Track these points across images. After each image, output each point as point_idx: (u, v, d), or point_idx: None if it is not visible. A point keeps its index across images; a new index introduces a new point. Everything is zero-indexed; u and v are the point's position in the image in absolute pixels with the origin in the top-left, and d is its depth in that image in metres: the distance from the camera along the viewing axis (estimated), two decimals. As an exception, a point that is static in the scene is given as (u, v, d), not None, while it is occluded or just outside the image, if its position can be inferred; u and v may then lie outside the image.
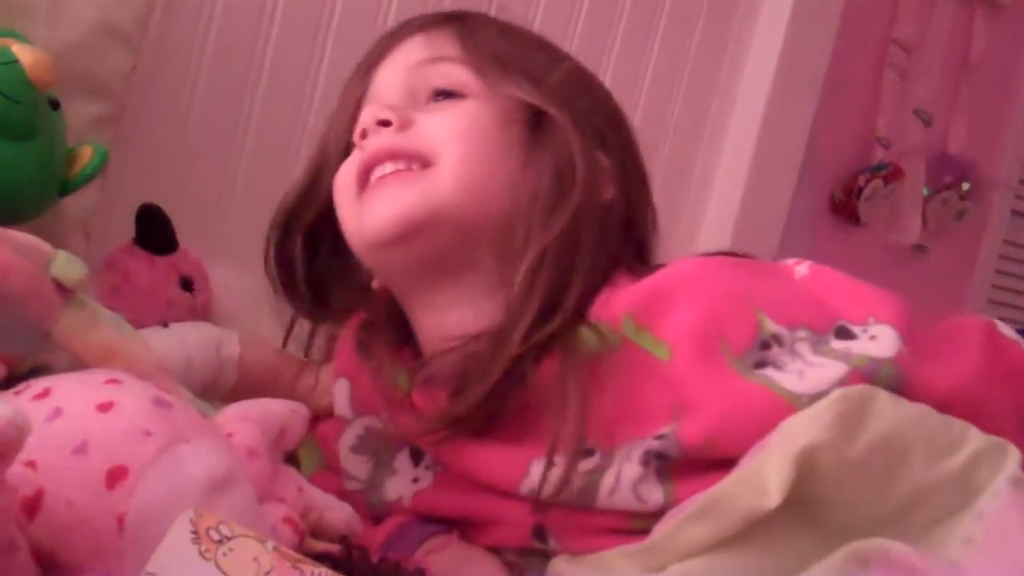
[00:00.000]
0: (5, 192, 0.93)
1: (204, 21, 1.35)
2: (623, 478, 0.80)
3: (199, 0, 1.34)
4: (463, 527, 0.89)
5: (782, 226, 1.95)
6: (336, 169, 0.97)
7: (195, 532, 0.55)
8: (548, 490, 0.81)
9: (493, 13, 1.07)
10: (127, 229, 1.07)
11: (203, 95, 1.36)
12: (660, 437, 0.80)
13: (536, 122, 0.94)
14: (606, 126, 1.00)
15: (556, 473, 0.81)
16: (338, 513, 0.79)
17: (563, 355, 0.85)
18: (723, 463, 0.77)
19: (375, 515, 0.91)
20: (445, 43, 0.97)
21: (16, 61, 0.91)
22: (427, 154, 0.91)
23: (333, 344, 1.05)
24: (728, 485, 0.73)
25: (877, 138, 2.12)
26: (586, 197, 0.90)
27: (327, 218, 0.98)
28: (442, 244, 0.90)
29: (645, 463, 0.80)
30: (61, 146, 0.99)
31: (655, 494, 0.80)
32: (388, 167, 0.91)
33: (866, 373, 0.78)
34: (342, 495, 0.83)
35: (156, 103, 1.30)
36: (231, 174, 1.34)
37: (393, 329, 0.98)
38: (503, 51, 0.97)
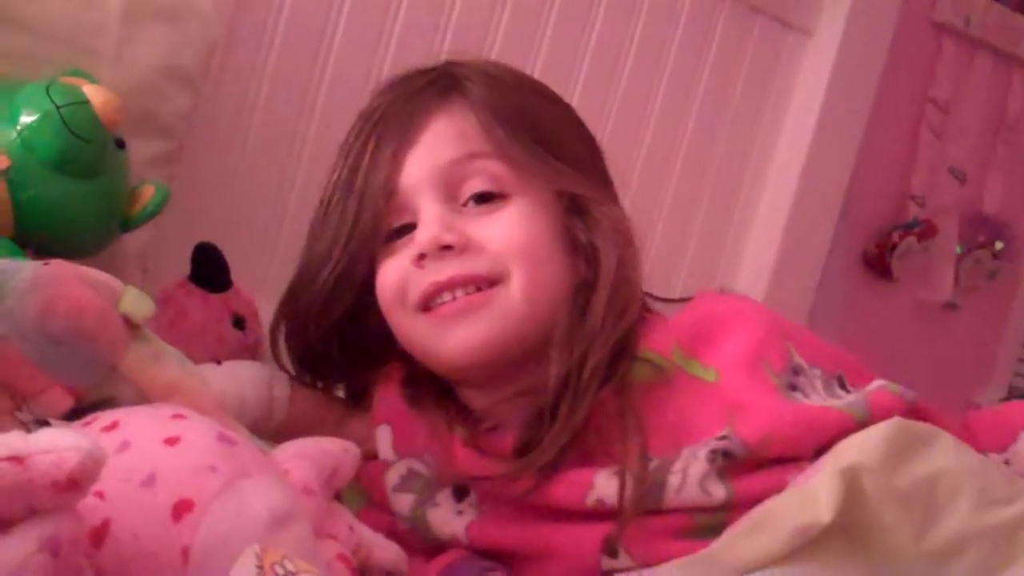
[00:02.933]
0: (71, 228, 0.95)
1: (260, 63, 1.39)
2: (690, 475, 0.84)
3: (256, 42, 1.38)
4: (522, 563, 0.91)
5: (816, 280, 1.96)
6: (367, 262, 0.98)
7: (260, 567, 0.57)
8: (627, 502, 0.85)
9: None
10: (181, 264, 1.10)
11: (256, 136, 1.39)
12: (723, 438, 0.85)
13: (572, 203, 0.98)
14: (601, 166, 1.06)
15: (630, 481, 0.85)
16: (386, 552, 0.80)
17: (619, 389, 0.90)
18: (775, 462, 0.83)
19: (428, 550, 0.92)
20: (466, 125, 0.97)
21: (87, 101, 0.94)
22: (495, 276, 0.94)
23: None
24: (783, 500, 0.77)
25: (912, 196, 2.13)
26: (634, 268, 0.96)
27: (354, 306, 1.00)
28: (513, 352, 0.94)
29: (711, 460, 0.84)
30: (125, 184, 1.02)
31: (718, 489, 0.84)
32: (458, 292, 0.93)
33: (881, 391, 0.88)
34: (389, 534, 0.85)
35: (211, 142, 1.33)
36: (280, 214, 1.37)
37: (437, 385, 1.01)
38: (522, 124, 0.98)
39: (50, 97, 0.93)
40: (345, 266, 0.98)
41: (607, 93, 1.70)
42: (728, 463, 0.84)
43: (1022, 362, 2.46)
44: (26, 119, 0.93)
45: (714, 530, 0.82)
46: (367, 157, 0.98)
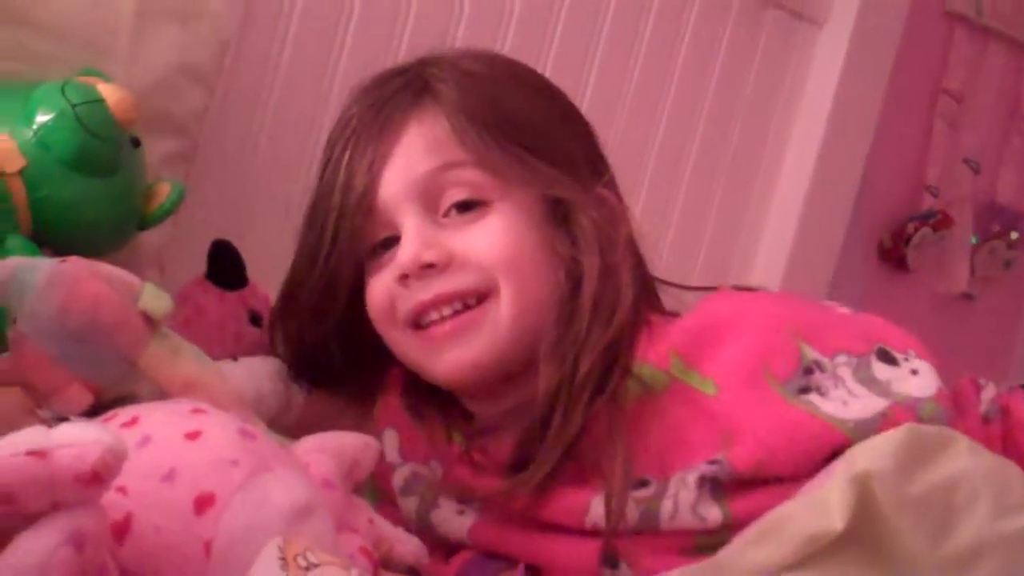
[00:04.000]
0: (88, 226, 0.96)
1: (272, 61, 1.39)
2: (681, 502, 0.83)
3: (269, 40, 1.38)
4: (526, 565, 0.90)
5: (831, 272, 1.95)
6: (352, 275, 0.97)
7: (283, 559, 0.57)
8: (611, 523, 0.84)
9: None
10: (197, 262, 1.10)
11: (270, 133, 1.39)
12: (713, 462, 0.83)
13: (555, 208, 0.96)
14: (592, 151, 1.03)
15: (614, 507, 0.84)
16: (407, 546, 0.80)
17: (609, 404, 0.88)
18: (773, 480, 0.81)
19: (443, 550, 0.93)
20: (439, 133, 0.95)
21: (102, 100, 0.94)
22: (482, 289, 0.92)
23: None
24: (793, 507, 0.75)
25: (926, 186, 2.13)
26: (631, 278, 0.93)
27: (344, 319, 0.99)
28: (506, 365, 0.93)
29: (700, 486, 0.83)
30: (141, 183, 1.03)
31: (713, 512, 0.82)
32: (445, 310, 0.93)
33: (908, 408, 0.82)
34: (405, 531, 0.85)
35: (225, 140, 1.33)
36: (296, 211, 1.37)
37: (437, 392, 1.00)
38: (498, 125, 0.95)
39: (65, 96, 0.93)
40: (328, 282, 0.97)
41: (620, 87, 1.70)
42: (720, 485, 0.83)
43: (1039, 352, 2.45)
44: (42, 118, 0.93)
45: (718, 548, 0.80)
46: (343, 170, 0.96)
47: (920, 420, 0.81)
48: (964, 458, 0.75)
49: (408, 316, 0.93)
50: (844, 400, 0.84)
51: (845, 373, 0.86)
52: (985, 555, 0.72)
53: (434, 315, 0.93)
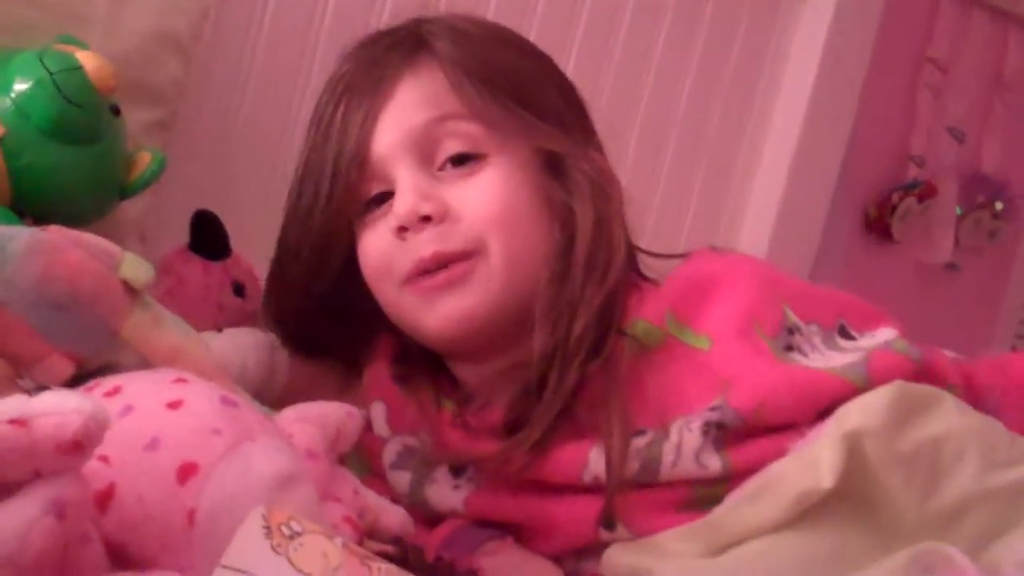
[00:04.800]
0: (68, 195, 0.95)
1: (254, 27, 1.37)
2: (684, 448, 0.84)
3: (249, 6, 1.37)
4: (520, 535, 0.91)
5: (816, 243, 1.95)
6: (346, 232, 0.97)
7: (267, 527, 0.56)
8: (613, 475, 0.84)
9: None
10: (179, 231, 1.09)
11: (251, 101, 1.38)
12: (715, 408, 0.84)
13: (550, 159, 0.96)
14: (582, 115, 1.03)
15: (615, 458, 0.85)
16: (393, 516, 0.80)
17: (604, 364, 0.89)
18: (772, 430, 0.82)
19: (428, 522, 0.92)
20: (436, 86, 0.95)
21: (80, 67, 0.93)
22: (475, 247, 0.92)
23: None
24: (784, 465, 0.76)
25: (911, 156, 2.12)
26: (622, 231, 0.95)
27: (338, 279, 0.99)
28: (499, 322, 0.93)
29: (705, 432, 0.83)
30: (121, 151, 1.01)
31: (714, 461, 0.83)
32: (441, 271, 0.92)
33: (883, 350, 0.86)
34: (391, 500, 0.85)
35: (206, 109, 1.32)
36: (279, 180, 1.36)
37: (428, 359, 1.00)
38: (494, 80, 0.96)
39: (43, 64, 0.92)
40: (323, 242, 0.97)
41: (603, 56, 1.69)
42: (723, 433, 0.83)
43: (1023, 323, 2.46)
44: (20, 86, 0.92)
45: (714, 501, 0.82)
46: (336, 126, 0.96)
47: (897, 353, 0.85)
48: (951, 416, 0.76)
49: (406, 274, 0.93)
50: (823, 358, 0.87)
51: (816, 341, 0.90)
52: (971, 510, 0.73)
53: (429, 268, 0.92)
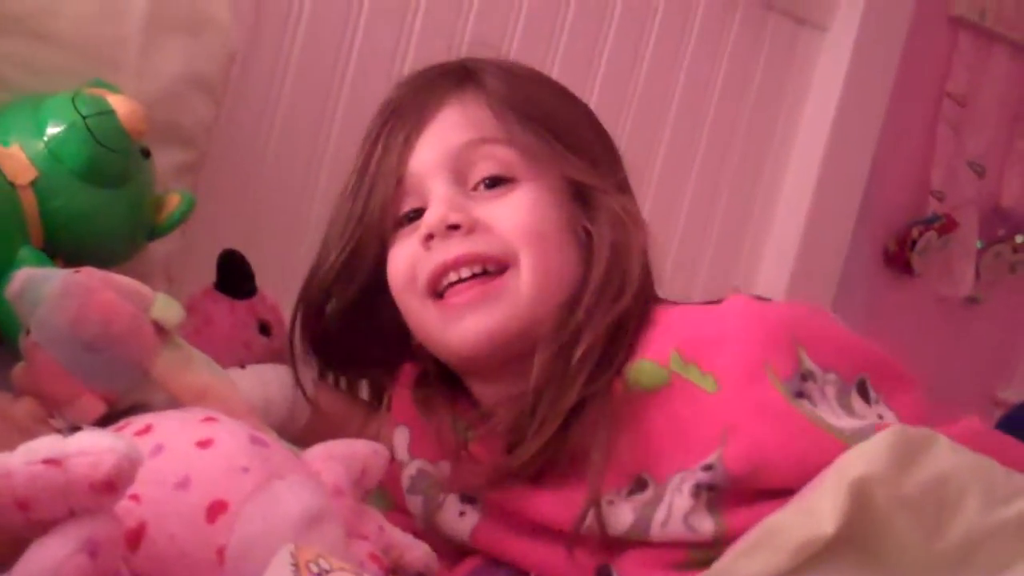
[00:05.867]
0: (99, 237, 0.97)
1: (279, 71, 1.40)
2: (674, 510, 0.83)
3: (276, 50, 1.39)
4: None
5: (837, 277, 1.96)
6: (378, 246, 0.98)
7: (295, 565, 0.57)
8: (592, 525, 0.85)
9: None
10: (205, 272, 1.10)
11: (277, 143, 1.40)
12: (708, 468, 0.83)
13: (578, 192, 0.98)
14: (614, 159, 1.05)
15: (587, 509, 0.85)
16: (416, 552, 0.81)
17: (600, 398, 0.88)
18: (770, 494, 0.80)
19: (449, 552, 0.93)
20: (479, 113, 0.98)
21: (112, 111, 0.95)
22: (503, 258, 0.93)
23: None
24: (784, 516, 0.76)
25: (931, 191, 2.13)
26: (639, 267, 0.95)
27: (366, 292, 1.00)
28: (520, 342, 0.93)
29: (696, 495, 0.82)
30: (151, 193, 1.03)
31: (706, 524, 0.82)
32: (464, 272, 0.93)
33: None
34: (415, 536, 0.86)
35: (233, 151, 1.34)
36: (303, 219, 1.38)
37: (448, 382, 1.01)
38: (535, 114, 0.98)
39: (76, 108, 0.94)
40: (354, 249, 0.98)
41: (624, 92, 1.70)
42: (716, 495, 0.82)
43: (1044, 355, 2.45)
44: (53, 130, 0.94)
45: (711, 564, 0.80)
46: (380, 144, 0.99)
47: None
48: (948, 455, 0.76)
49: (428, 280, 0.94)
50: (831, 414, 0.84)
51: (830, 392, 0.87)
52: (978, 547, 0.73)
53: (453, 277, 0.93)
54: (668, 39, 1.74)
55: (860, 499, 0.72)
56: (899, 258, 2.11)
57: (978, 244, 2.21)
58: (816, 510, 0.73)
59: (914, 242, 2.09)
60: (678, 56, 1.76)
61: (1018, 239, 2.26)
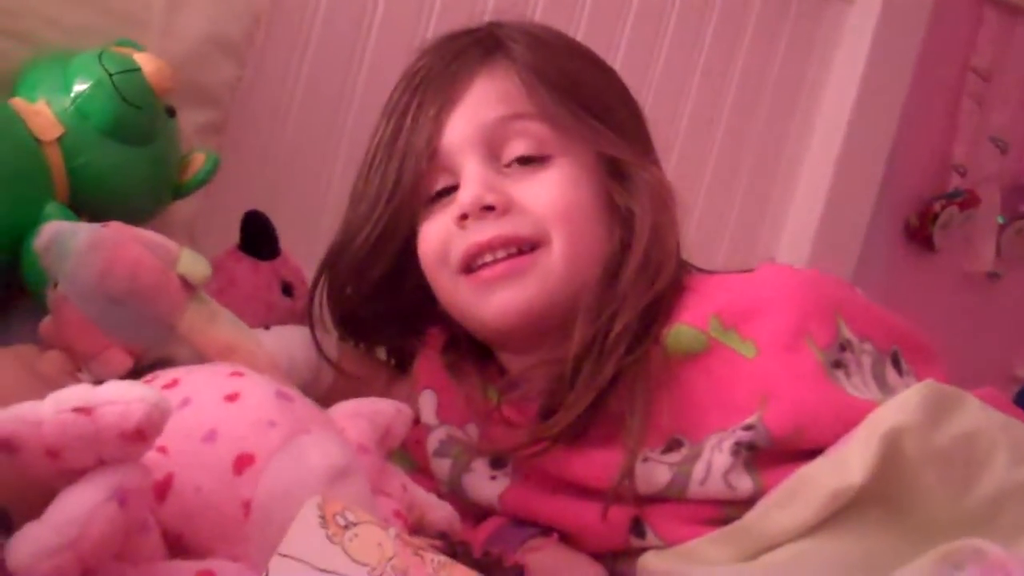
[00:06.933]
0: (124, 194, 0.97)
1: (304, 31, 1.40)
2: (714, 467, 0.83)
3: (300, 11, 1.39)
4: (555, 532, 0.91)
5: (858, 252, 1.95)
6: (408, 222, 0.98)
7: (322, 517, 0.57)
8: (622, 477, 0.85)
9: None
10: (228, 231, 1.11)
11: (301, 103, 1.40)
12: (748, 428, 0.83)
13: (612, 166, 0.98)
14: (643, 130, 1.05)
15: (624, 464, 0.85)
16: (439, 511, 0.81)
17: (637, 364, 0.88)
18: (808, 454, 0.81)
19: (472, 515, 0.93)
20: (509, 86, 0.97)
21: (138, 69, 0.95)
22: (536, 238, 0.93)
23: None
24: (814, 468, 0.77)
25: (953, 165, 2.12)
26: (676, 242, 0.96)
27: (394, 267, 1.00)
28: (552, 315, 0.93)
29: (735, 453, 0.83)
30: (176, 152, 1.04)
31: (744, 482, 0.82)
32: (499, 252, 0.93)
33: None
34: (438, 496, 0.86)
35: (257, 111, 1.34)
36: (326, 181, 1.38)
37: (477, 348, 1.02)
38: (565, 86, 0.98)
39: (103, 65, 0.94)
40: (385, 227, 0.98)
41: (648, 63, 1.70)
42: (755, 454, 0.83)
43: (1064, 333, 2.44)
44: (79, 87, 0.94)
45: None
46: (409, 118, 0.98)
47: None
48: (979, 412, 0.77)
49: (462, 259, 0.94)
50: (859, 389, 0.85)
51: (866, 362, 0.88)
52: (1005, 504, 0.74)
53: (488, 257, 0.93)
54: (693, 9, 1.73)
55: (891, 450, 0.73)
56: (920, 233, 2.10)
57: (1000, 220, 2.20)
58: (847, 461, 0.74)
59: (936, 217, 2.07)
60: (702, 27, 1.75)
61: (1040, 215, 2.25)
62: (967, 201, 2.10)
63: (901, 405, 0.77)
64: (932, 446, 0.74)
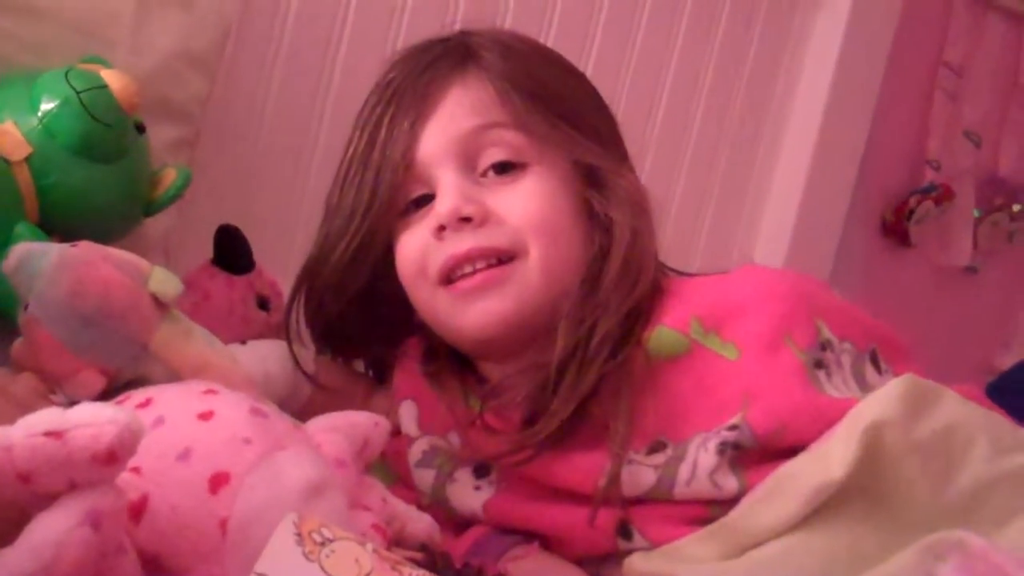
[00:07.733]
0: (95, 212, 0.96)
1: (273, 45, 1.39)
2: (699, 468, 0.84)
3: (269, 24, 1.38)
4: (541, 539, 0.91)
5: (834, 249, 1.96)
6: (385, 234, 0.98)
7: (299, 534, 0.57)
8: (608, 482, 0.85)
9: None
10: (203, 247, 1.10)
11: (272, 117, 1.39)
12: (733, 428, 0.84)
13: (588, 173, 0.98)
14: (615, 135, 1.05)
15: (611, 470, 0.85)
16: (419, 523, 0.81)
17: (620, 368, 0.89)
18: (790, 452, 0.81)
19: (454, 525, 0.93)
20: (483, 95, 0.97)
21: (106, 86, 0.94)
22: (514, 250, 0.93)
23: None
24: (797, 463, 0.77)
25: (928, 160, 2.13)
26: (654, 247, 0.96)
27: (372, 279, 1.00)
28: (530, 324, 0.93)
29: (721, 453, 0.83)
30: (146, 168, 1.03)
31: (730, 482, 0.83)
32: (477, 263, 0.93)
33: None
34: (419, 508, 0.86)
35: (228, 126, 1.34)
36: (300, 194, 1.38)
37: (456, 357, 1.01)
38: (539, 94, 0.98)
39: (69, 83, 0.94)
40: (362, 240, 0.97)
41: (621, 60, 1.70)
42: (740, 454, 0.83)
43: (1042, 324, 2.46)
44: (46, 106, 0.93)
45: None
46: (383, 130, 0.98)
47: None
48: (957, 406, 0.78)
49: (440, 270, 0.94)
50: (839, 388, 0.86)
51: (846, 361, 0.89)
52: (986, 495, 0.74)
53: (466, 268, 0.93)
54: (663, 11, 1.73)
55: (872, 444, 0.74)
56: (896, 228, 2.11)
57: (975, 213, 2.21)
58: (829, 455, 0.75)
59: (911, 212, 2.08)
60: (673, 28, 1.75)
61: (1016, 208, 2.26)
62: (942, 195, 2.11)
63: (881, 399, 0.77)
64: (913, 439, 0.75)
